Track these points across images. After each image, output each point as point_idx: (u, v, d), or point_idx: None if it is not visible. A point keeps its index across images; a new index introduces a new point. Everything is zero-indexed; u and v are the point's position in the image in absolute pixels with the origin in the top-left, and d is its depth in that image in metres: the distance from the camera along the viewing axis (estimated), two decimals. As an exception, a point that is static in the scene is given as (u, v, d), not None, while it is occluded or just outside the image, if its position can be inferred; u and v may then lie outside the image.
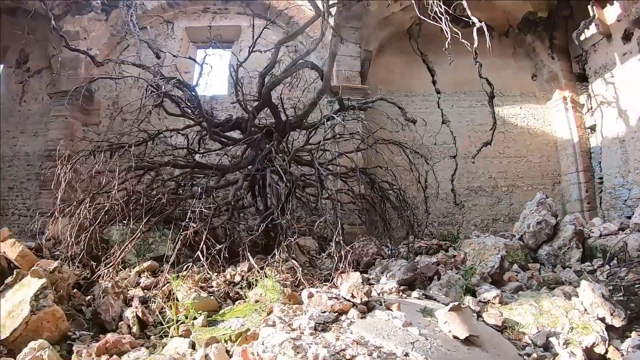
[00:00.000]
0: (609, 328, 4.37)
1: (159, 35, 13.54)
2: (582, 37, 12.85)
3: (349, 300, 3.89)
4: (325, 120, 7.23)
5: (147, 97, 7.60)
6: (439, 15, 8.09)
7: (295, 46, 11.02)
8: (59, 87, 12.13)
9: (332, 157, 7.46)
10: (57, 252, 6.51)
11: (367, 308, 3.89)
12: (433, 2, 8.60)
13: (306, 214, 9.71)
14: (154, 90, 7.46)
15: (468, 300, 5.03)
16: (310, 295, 3.98)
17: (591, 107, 13.89)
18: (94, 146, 7.34)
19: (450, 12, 8.19)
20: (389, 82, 13.15)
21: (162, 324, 4.48)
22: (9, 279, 4.71)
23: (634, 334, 4.41)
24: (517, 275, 6.95)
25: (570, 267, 7.96)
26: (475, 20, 8.11)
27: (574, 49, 14.22)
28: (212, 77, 8.47)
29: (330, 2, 8.18)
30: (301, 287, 5.15)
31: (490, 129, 9.27)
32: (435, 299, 5.02)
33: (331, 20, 9.90)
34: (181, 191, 7.94)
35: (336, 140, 8.28)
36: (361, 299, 3.89)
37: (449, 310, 3.62)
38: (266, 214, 6.80)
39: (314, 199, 8.19)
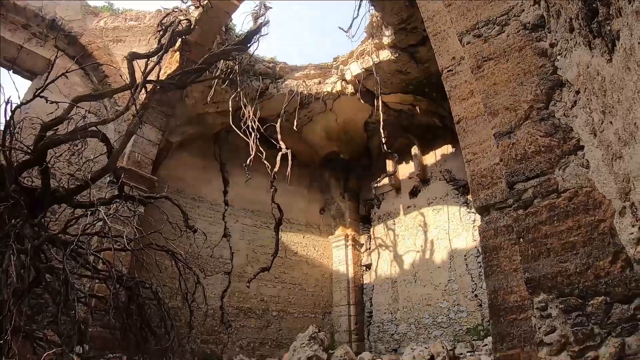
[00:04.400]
0: None
1: None
2: (375, 185, 14.02)
3: None
4: (93, 209, 6.22)
5: None
6: (250, 130, 8.01)
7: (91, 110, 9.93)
8: None
9: (86, 254, 6.33)
10: None
11: None
12: (249, 117, 8.56)
13: (52, 305, 8.26)
14: None
15: None
16: None
17: (369, 248, 15.05)
18: None
19: (262, 130, 8.16)
20: (181, 180, 12.54)
21: None
22: None
23: None
24: None
25: None
26: (282, 146, 8.18)
27: (364, 193, 15.76)
28: None
29: (149, 78, 7.51)
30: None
31: (272, 255, 9.11)
32: None
33: (142, 97, 9.21)
34: None
35: (100, 236, 7.22)
36: None
37: None
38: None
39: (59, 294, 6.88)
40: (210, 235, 8.62)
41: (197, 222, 8.67)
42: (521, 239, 2.39)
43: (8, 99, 6.05)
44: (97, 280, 7.47)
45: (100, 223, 7.02)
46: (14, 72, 9.61)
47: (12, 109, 6.18)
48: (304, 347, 8.88)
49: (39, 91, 6.41)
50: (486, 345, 9.39)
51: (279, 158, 8.09)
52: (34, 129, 6.71)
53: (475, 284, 11.43)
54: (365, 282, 14.86)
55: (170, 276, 7.53)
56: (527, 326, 2.65)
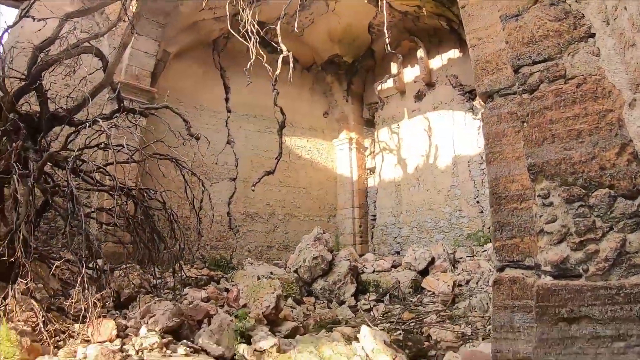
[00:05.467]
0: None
1: None
2: (378, 88, 13.79)
3: None
4: (92, 121, 6.15)
5: None
6: (249, 34, 7.77)
7: (83, 25, 9.67)
8: None
9: (90, 169, 6.34)
10: None
11: None
12: (247, 20, 8.27)
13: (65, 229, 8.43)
14: None
15: (242, 349, 4.68)
16: None
17: (374, 151, 15.11)
18: None
19: (262, 33, 7.92)
20: (180, 90, 12.39)
21: None
22: None
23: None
24: (292, 312, 6.84)
25: (345, 302, 8.25)
26: (283, 48, 7.95)
27: (368, 96, 15.60)
28: None
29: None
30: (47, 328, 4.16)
31: (275, 158, 9.14)
32: (205, 351, 4.52)
33: (134, 7, 8.89)
34: None
35: (102, 149, 7.21)
36: None
37: None
38: (10, 229, 5.50)
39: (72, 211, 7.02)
40: (214, 143, 8.63)
41: (200, 130, 8.66)
42: (525, 124, 2.35)
43: None
44: (104, 195, 7.57)
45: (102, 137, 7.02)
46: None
47: (0, 34, 5.99)
48: (309, 247, 9.17)
49: (24, 11, 6.21)
50: (485, 251, 9.68)
51: (280, 61, 7.90)
52: (26, 56, 6.52)
53: (478, 190, 11.60)
54: (369, 185, 15.13)
55: (176, 186, 7.60)
56: (528, 216, 2.61)
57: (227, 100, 13.24)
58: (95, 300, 4.37)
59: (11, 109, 6.02)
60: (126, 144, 6.09)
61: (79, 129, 6.61)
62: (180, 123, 8.02)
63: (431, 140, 13.26)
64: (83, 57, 7.03)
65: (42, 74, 6.47)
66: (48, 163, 5.73)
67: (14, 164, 5.09)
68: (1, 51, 6.14)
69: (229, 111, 13.13)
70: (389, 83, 14.13)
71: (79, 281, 4.34)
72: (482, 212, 11.40)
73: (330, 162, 15.40)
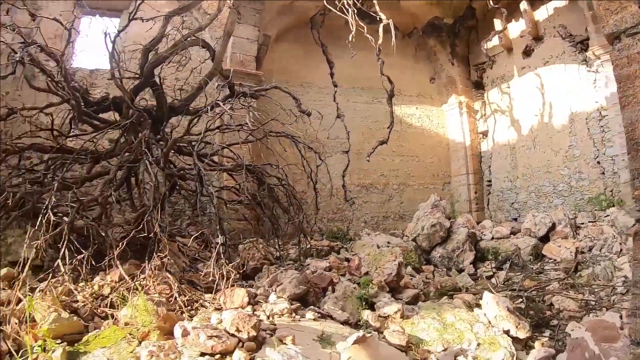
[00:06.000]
0: (514, 340, 4.24)
1: None
2: (484, 44, 13.18)
3: (233, 335, 3.29)
4: (210, 107, 6.52)
5: (7, 65, 6.45)
6: (346, 7, 7.79)
7: (186, 21, 10.17)
8: None
9: (215, 150, 6.76)
10: None
11: (257, 343, 3.33)
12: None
13: (188, 208, 9.04)
14: (13, 55, 6.21)
15: (367, 315, 4.74)
16: (186, 333, 3.23)
17: (485, 114, 14.45)
18: None
19: (358, 5, 7.91)
20: (285, 71, 12.70)
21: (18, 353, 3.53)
22: None
23: (537, 344, 4.31)
24: (412, 280, 6.78)
25: (464, 270, 8.08)
26: (382, 16, 7.89)
27: (473, 57, 14.89)
28: (96, 47, 7.38)
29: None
30: (181, 298, 4.53)
31: (387, 127, 9.11)
32: (331, 317, 4.64)
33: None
34: (47, 180, 6.66)
35: (222, 131, 7.61)
36: (248, 333, 3.32)
37: (354, 343, 3.19)
38: (140, 212, 6.02)
39: (193, 194, 7.52)
40: (324, 118, 8.75)
41: (309, 107, 8.81)
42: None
43: (105, 31, 6.28)
44: (223, 175, 7.98)
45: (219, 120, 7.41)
46: (100, 17, 9.96)
47: (112, 40, 6.47)
48: (427, 215, 9.06)
49: (132, 14, 6.68)
50: (608, 216, 8.99)
51: (381, 30, 7.84)
52: (136, 59, 7.05)
53: (598, 150, 10.69)
54: (482, 150, 14.53)
55: (292, 162, 7.85)
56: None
57: (332, 75, 13.27)
58: (229, 270, 4.68)
59: (130, 106, 6.51)
60: (248, 122, 6.37)
61: (199, 114, 7.00)
62: (289, 102, 8.25)
63: (544, 98, 12.38)
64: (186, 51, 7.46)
65: (155, 71, 6.94)
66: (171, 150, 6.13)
67: (145, 151, 5.50)
68: (115, 55, 6.66)
69: (335, 86, 13.13)
70: (495, 41, 13.30)
71: (213, 254, 4.73)
72: (603, 173, 10.52)
73: (441, 128, 15.01)
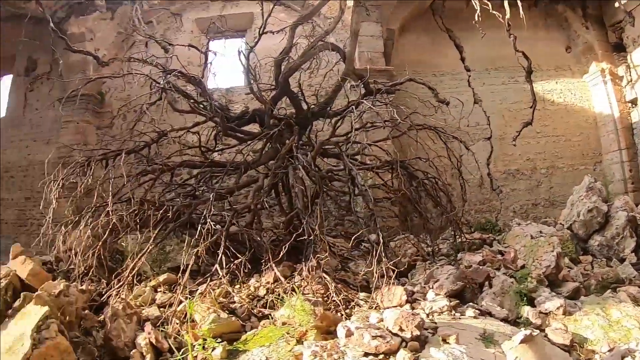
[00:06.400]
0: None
1: (168, 30, 13.23)
2: (616, 4, 11.88)
3: (396, 335, 3.21)
4: (354, 106, 6.48)
5: (152, 94, 7.00)
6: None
7: (312, 28, 10.36)
8: (68, 91, 11.77)
9: (362, 147, 6.76)
10: (65, 269, 5.94)
11: (419, 342, 3.22)
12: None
13: (334, 209, 9.09)
14: (157, 85, 6.86)
15: (527, 311, 4.48)
16: (349, 334, 3.23)
17: (631, 80, 12.90)
18: (86, 156, 6.69)
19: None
20: (415, 62, 12.36)
21: (180, 350, 3.86)
22: (16, 303, 4.23)
23: None
24: (569, 272, 6.23)
25: (625, 259, 7.27)
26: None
27: (609, 17, 13.28)
28: (227, 67, 7.84)
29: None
30: (338, 297, 4.51)
31: (530, 107, 8.54)
32: (490, 314, 4.44)
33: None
34: (199, 193, 7.28)
35: (366, 129, 7.55)
36: (411, 332, 3.21)
37: (521, 342, 2.99)
38: (291, 215, 6.19)
39: (342, 194, 7.60)
40: (460, 105, 8.37)
41: (444, 95, 8.51)
42: None
43: (239, 49, 6.62)
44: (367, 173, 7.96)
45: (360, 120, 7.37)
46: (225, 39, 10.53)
47: (247, 56, 6.76)
48: (582, 199, 8.31)
49: (261, 29, 6.98)
50: None
51: (506, 3, 7.41)
52: (266, 72, 7.34)
53: None
54: (633, 120, 12.94)
55: (435, 155, 7.58)
56: None
57: (463, 60, 12.80)
58: (389, 268, 4.61)
59: (271, 116, 6.73)
60: (395, 116, 6.32)
61: (344, 115, 7.08)
62: (425, 93, 7.99)
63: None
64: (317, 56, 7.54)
65: (289, 81, 7.10)
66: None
67: (297, 157, 5.65)
68: (246, 67, 6.96)
69: (468, 70, 12.67)
70: (632, -7, 11.97)
71: (372, 252, 4.76)
72: None
73: (586, 102, 13.66)
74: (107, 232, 5.45)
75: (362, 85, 7.45)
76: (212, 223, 5.03)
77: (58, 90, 12.41)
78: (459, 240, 7.33)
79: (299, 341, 3.56)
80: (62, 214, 6.26)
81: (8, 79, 14.99)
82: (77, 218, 5.96)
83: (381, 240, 4.75)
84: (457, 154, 7.52)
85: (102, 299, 5.04)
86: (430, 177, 7.32)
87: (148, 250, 5.24)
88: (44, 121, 13.44)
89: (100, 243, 5.36)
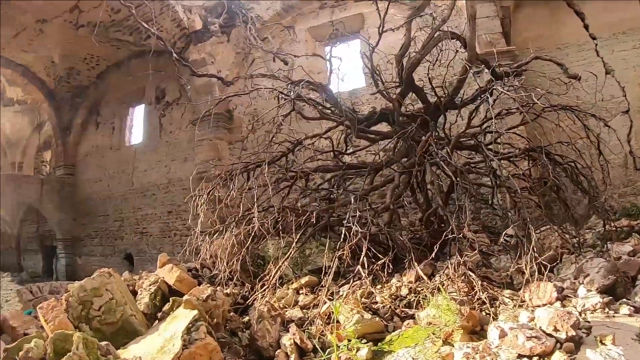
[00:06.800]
0: None
1: (283, 43, 13.72)
2: None
3: (550, 336, 3.08)
4: (488, 94, 6.28)
5: (281, 106, 7.30)
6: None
7: (435, 18, 10.20)
8: (198, 113, 12.69)
9: (497, 136, 6.50)
10: (212, 274, 6.36)
11: (574, 343, 3.08)
12: None
13: (470, 202, 8.88)
14: (285, 97, 7.25)
15: None
16: (503, 334, 3.15)
17: None
18: (227, 171, 7.21)
19: None
20: (535, 37, 11.62)
21: (324, 351, 4.03)
22: (165, 307, 4.74)
23: None
24: None
25: None
26: None
27: None
28: (347, 70, 7.96)
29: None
30: (482, 295, 4.39)
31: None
32: None
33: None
34: (334, 196, 7.50)
35: (501, 117, 7.25)
36: (567, 333, 3.07)
37: None
38: (429, 212, 6.15)
39: (479, 187, 7.53)
40: (590, 77, 7.73)
41: (572, 69, 7.97)
42: None
43: (361, 52, 6.70)
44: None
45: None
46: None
47: (369, 55, 6.96)
48: None
49: (380, 28, 7.02)
50: None
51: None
52: (386, 70, 7.38)
53: None
54: None
55: (565, 138, 7.12)
56: None
57: (586, 27, 11.72)
58: (540, 263, 4.44)
59: (400, 113, 6.73)
60: (535, 99, 6.13)
61: (478, 105, 7.03)
62: (551, 70, 7.57)
63: None
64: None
65: (412, 75, 7.06)
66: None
67: (436, 152, 5.66)
68: (371, 68, 7.01)
69: (593, 38, 11.63)
70: None
71: (520, 247, 4.71)
72: None
73: None
74: (250, 239, 5.78)
75: (490, 71, 7.20)
76: (356, 225, 5.07)
77: (189, 112, 13.59)
78: (608, 228, 6.80)
79: (445, 342, 3.53)
80: (205, 224, 6.68)
81: (141, 109, 17.14)
82: (222, 227, 6.41)
83: (532, 233, 4.60)
84: (594, 133, 7.01)
85: (246, 302, 5.41)
86: (569, 161, 6.89)
87: (291, 255, 5.48)
88: (179, 142, 14.92)
89: (244, 249, 5.76)
